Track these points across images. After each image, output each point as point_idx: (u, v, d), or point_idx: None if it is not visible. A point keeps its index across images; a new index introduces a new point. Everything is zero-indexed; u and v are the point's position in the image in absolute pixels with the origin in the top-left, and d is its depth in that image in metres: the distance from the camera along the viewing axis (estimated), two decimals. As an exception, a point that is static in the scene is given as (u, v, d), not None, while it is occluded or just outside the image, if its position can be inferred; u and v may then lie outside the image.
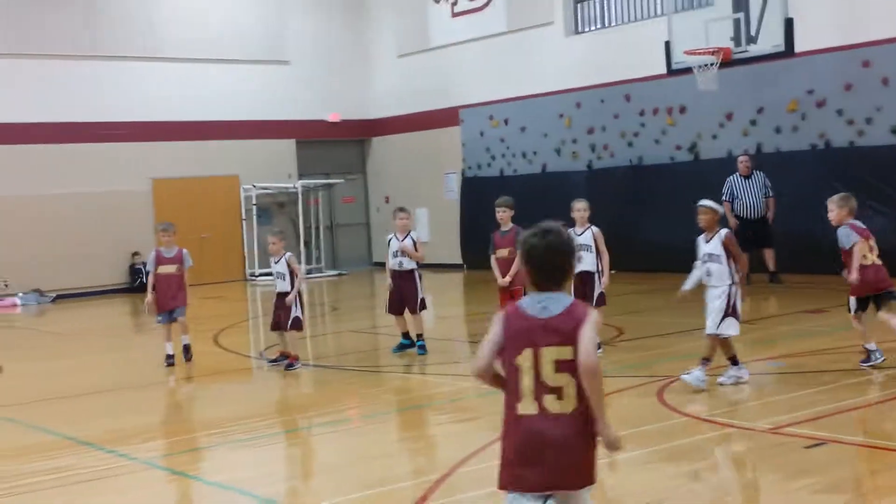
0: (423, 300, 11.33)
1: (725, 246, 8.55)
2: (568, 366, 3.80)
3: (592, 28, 21.25)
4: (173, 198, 22.72)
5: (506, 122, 22.22)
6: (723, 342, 8.61)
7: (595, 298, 10.21)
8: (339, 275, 23.88)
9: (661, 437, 7.19)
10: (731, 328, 8.52)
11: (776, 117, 17.45)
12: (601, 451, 3.90)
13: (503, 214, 11.02)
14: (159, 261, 11.54)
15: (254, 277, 23.40)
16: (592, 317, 3.85)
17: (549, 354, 3.82)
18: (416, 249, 11.25)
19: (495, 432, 7.41)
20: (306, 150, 25.03)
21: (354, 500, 6.18)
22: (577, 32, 21.35)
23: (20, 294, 20.61)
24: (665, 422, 7.59)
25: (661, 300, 14.59)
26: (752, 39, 15.07)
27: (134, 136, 22.36)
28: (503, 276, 10.61)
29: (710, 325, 8.55)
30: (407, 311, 11.36)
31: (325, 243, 25.11)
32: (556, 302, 3.89)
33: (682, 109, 18.88)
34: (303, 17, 24.97)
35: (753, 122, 17.82)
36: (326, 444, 7.91)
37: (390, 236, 11.52)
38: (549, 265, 3.92)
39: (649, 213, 18.90)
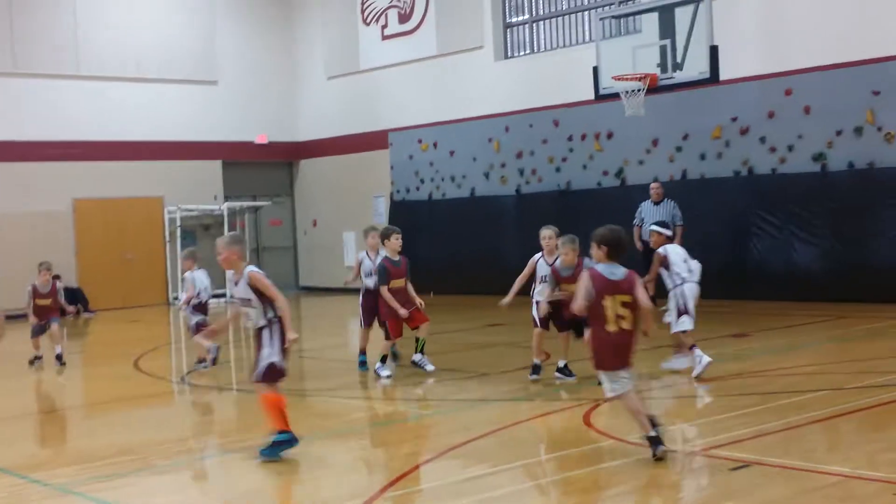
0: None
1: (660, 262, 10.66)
2: (630, 305, 6.90)
3: (522, 53, 21.38)
4: (95, 218, 22.26)
5: (435, 145, 22.21)
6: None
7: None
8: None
9: (587, 460, 7.13)
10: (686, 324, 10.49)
11: (701, 144, 17.69)
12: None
13: (396, 243, 11.12)
14: (36, 294, 13.66)
15: (177, 300, 22.94)
16: (639, 280, 7.03)
17: (620, 299, 6.90)
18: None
19: (411, 459, 7.31)
20: (233, 172, 24.74)
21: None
22: (506, 57, 21.47)
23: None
24: (591, 445, 7.54)
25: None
26: (677, 66, 15.27)
27: (55, 155, 21.88)
28: (401, 308, 10.83)
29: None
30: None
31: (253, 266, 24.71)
32: (618, 269, 6.99)
33: (610, 135, 19.04)
34: (231, 36, 24.74)
35: (679, 149, 18.04)
36: (246, 468, 7.71)
37: (362, 255, 11.83)
38: (623, 248, 7.07)
39: (580, 238, 18.94)
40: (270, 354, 7.47)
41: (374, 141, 23.58)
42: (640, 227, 16.45)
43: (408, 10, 22.92)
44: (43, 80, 22.05)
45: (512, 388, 10.38)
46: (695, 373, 9.91)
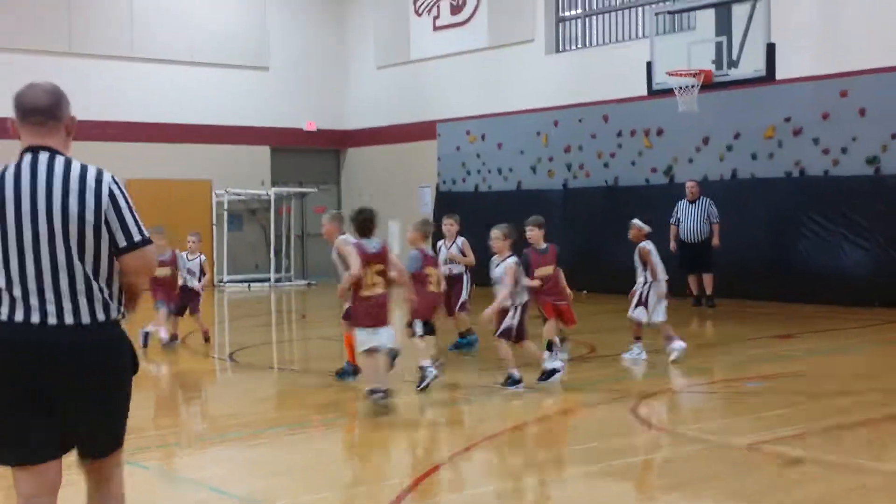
0: (463, 303, 11.55)
1: (641, 256, 10.78)
2: (383, 273, 8.41)
3: (573, 47, 21.31)
4: (145, 199, 22.18)
5: (483, 137, 22.20)
6: (631, 323, 10.85)
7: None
8: (309, 284, 23.69)
9: (634, 450, 7.13)
10: (640, 315, 10.75)
11: (753, 143, 17.54)
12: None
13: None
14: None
15: (222, 283, 23.16)
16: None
17: (376, 268, 8.36)
18: (463, 255, 11.55)
19: (466, 440, 7.35)
20: (281, 158, 24.89)
21: (326, 500, 6.07)
22: (557, 51, 21.41)
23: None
24: (641, 436, 7.54)
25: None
26: (733, 63, 15.12)
27: (108, 135, 22.09)
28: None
29: (630, 311, 10.91)
30: (453, 311, 11.47)
31: (295, 252, 24.93)
32: (377, 242, 8.49)
33: (660, 132, 18.94)
34: (284, 23, 24.87)
35: (730, 148, 17.90)
36: (294, 445, 7.78)
37: (440, 243, 11.79)
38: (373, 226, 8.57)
39: (623, 235, 18.79)
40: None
41: (421, 131, 23.62)
42: (677, 226, 16.42)
43: (460, 2, 22.91)
44: (97, 61, 22.28)
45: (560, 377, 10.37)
46: (627, 355, 10.81)
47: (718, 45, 15.29)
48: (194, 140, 23.39)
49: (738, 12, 15.13)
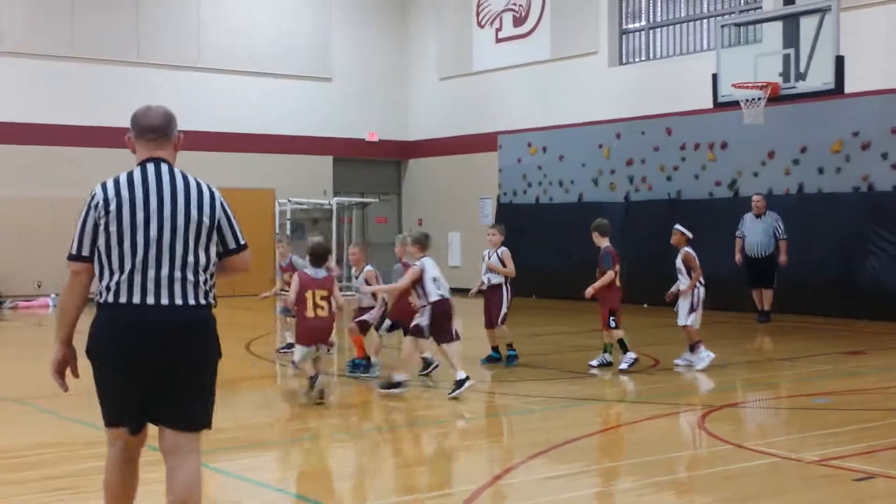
0: (504, 315, 11.47)
1: (684, 261, 11.04)
2: (326, 298, 9.38)
3: (637, 60, 21.21)
4: None
5: (544, 149, 22.16)
6: (688, 331, 11.04)
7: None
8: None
9: (706, 463, 7.05)
10: (696, 321, 11.04)
11: (819, 157, 17.29)
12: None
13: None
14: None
15: (285, 292, 23.27)
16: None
17: (320, 293, 9.38)
18: (503, 265, 11.48)
19: (529, 450, 7.32)
20: (343, 168, 25.06)
21: (392, 506, 6.09)
22: (621, 63, 21.32)
23: (52, 295, 20.65)
24: (709, 448, 7.45)
25: (702, 333, 14.40)
26: (800, 76, 14.92)
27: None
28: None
29: (682, 318, 11.10)
30: (493, 322, 11.59)
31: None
32: (321, 272, 9.54)
33: (724, 145, 18.75)
34: (347, 34, 25.08)
35: (796, 162, 17.66)
36: (361, 450, 7.81)
37: (484, 253, 11.87)
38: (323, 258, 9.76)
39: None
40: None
41: (483, 143, 23.64)
42: (743, 239, 16.27)
43: (523, 14, 22.93)
44: (164, 71, 22.65)
45: (622, 389, 10.30)
46: (678, 361, 11.26)
47: (786, 58, 15.11)
48: (258, 150, 23.65)
49: (806, 24, 14.95)
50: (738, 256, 16.24)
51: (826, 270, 16.78)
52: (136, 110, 4.63)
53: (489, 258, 11.65)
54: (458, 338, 9.96)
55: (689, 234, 11.23)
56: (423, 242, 10.02)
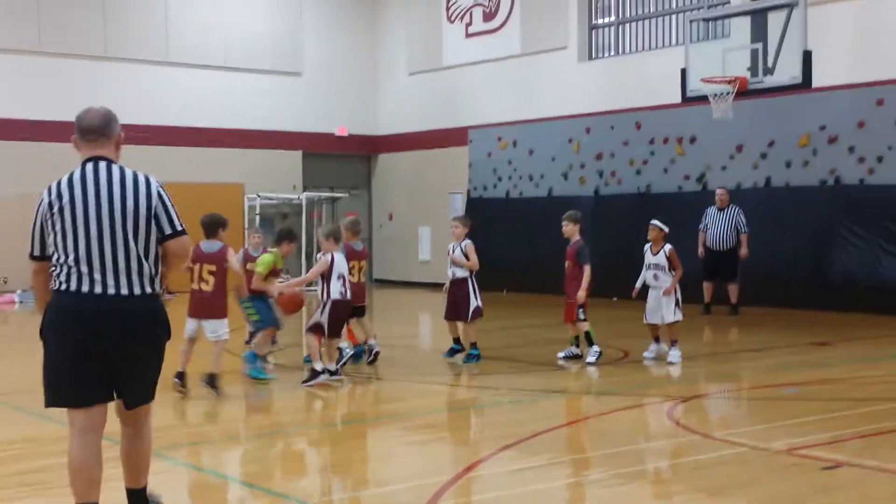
0: (477, 308, 11.24)
1: (669, 258, 10.96)
2: (213, 273, 9.35)
3: (606, 54, 21.28)
4: (177, 202, 22.21)
5: (514, 144, 22.19)
6: (671, 326, 10.98)
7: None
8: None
9: (675, 454, 7.09)
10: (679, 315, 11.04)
11: (787, 151, 17.43)
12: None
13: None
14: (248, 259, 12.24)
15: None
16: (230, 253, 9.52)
17: (207, 267, 9.34)
18: (466, 258, 11.27)
19: (500, 441, 7.33)
20: (312, 163, 24.97)
21: (365, 497, 6.08)
22: (590, 58, 21.37)
23: (19, 291, 20.46)
24: (678, 439, 7.49)
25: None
26: (769, 70, 15.01)
27: (139, 139, 22.21)
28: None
29: (669, 316, 10.95)
30: (462, 316, 11.34)
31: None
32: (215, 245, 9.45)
33: (693, 139, 18.86)
34: (316, 29, 24.98)
35: (764, 155, 17.79)
36: (331, 444, 7.80)
37: (449, 246, 11.64)
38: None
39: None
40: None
41: (453, 137, 23.64)
42: (705, 232, 16.40)
43: (493, 9, 22.93)
44: (132, 66, 22.49)
45: (591, 381, 10.34)
46: (647, 353, 11.26)
47: (754, 52, 15.19)
48: (227, 144, 23.53)
49: (774, 19, 15.03)
50: (700, 249, 16.38)
51: (795, 263, 16.92)
52: (78, 113, 4.98)
53: (453, 251, 11.47)
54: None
55: (666, 229, 11.17)
56: (335, 235, 10.10)
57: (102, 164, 4.85)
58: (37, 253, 4.89)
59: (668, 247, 11.03)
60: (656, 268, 11.05)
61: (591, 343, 11.03)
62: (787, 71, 14.76)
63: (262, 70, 24.08)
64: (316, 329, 9.82)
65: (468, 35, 23.52)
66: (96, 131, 4.91)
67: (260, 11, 24.24)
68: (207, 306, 9.46)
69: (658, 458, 7.04)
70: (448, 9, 24.00)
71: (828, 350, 12.28)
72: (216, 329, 9.46)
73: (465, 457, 7.19)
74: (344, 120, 25.32)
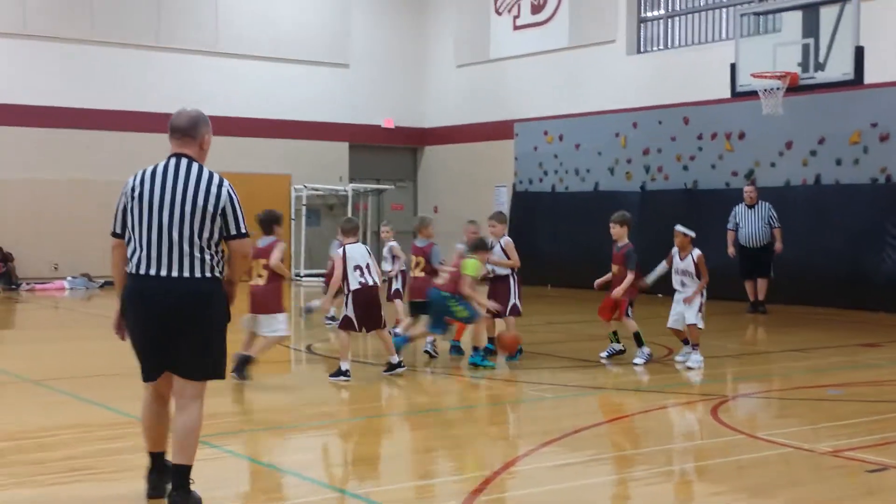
0: (514, 306, 11.06)
1: (696, 264, 10.61)
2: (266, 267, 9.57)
3: (655, 48, 21.14)
4: None
5: (560, 138, 22.13)
6: (695, 330, 10.59)
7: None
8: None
9: (718, 453, 7.06)
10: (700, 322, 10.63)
11: (837, 149, 17.22)
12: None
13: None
14: None
15: (299, 278, 23.42)
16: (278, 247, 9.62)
17: (261, 261, 9.58)
18: (507, 257, 11.08)
19: (543, 436, 7.35)
20: (359, 155, 25.10)
21: (407, 489, 6.13)
22: (639, 52, 21.25)
23: (69, 278, 20.79)
24: (721, 438, 7.46)
25: (710, 325, 14.38)
26: (820, 66, 14.84)
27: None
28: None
29: (691, 318, 10.56)
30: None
31: (371, 248, 25.03)
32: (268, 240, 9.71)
33: (741, 135, 18.70)
34: (365, 21, 25.09)
35: (813, 153, 17.59)
36: (372, 435, 7.86)
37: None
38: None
39: (701, 239, 18.53)
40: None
41: (499, 131, 23.63)
42: (735, 231, 16.26)
43: (541, 1, 22.87)
44: (182, 56, 22.74)
45: (634, 378, 10.32)
46: (680, 357, 10.84)
47: (805, 48, 15.03)
48: (275, 135, 23.72)
49: (826, 14, 14.86)
50: (730, 249, 16.26)
51: (842, 262, 16.72)
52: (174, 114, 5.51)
53: (492, 250, 11.13)
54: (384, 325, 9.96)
55: (692, 234, 10.87)
56: (344, 229, 10.36)
57: (184, 161, 5.35)
58: (117, 230, 5.41)
59: (696, 252, 10.68)
60: (684, 274, 10.70)
61: (640, 343, 10.90)
62: (839, 67, 14.59)
63: (310, 61, 24.23)
64: (346, 325, 9.75)
65: (516, 27, 23.48)
66: (181, 131, 5.41)
67: (309, 2, 24.37)
68: (261, 300, 9.61)
69: (700, 456, 7.02)
70: (496, 1, 23.97)
71: (875, 351, 12.14)
72: (271, 324, 9.57)
73: (506, 452, 7.21)
74: (390, 112, 25.40)
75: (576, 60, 22.01)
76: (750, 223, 16.24)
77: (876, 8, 15.97)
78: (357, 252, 9.90)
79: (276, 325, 9.59)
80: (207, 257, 5.25)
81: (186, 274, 5.21)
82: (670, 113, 19.89)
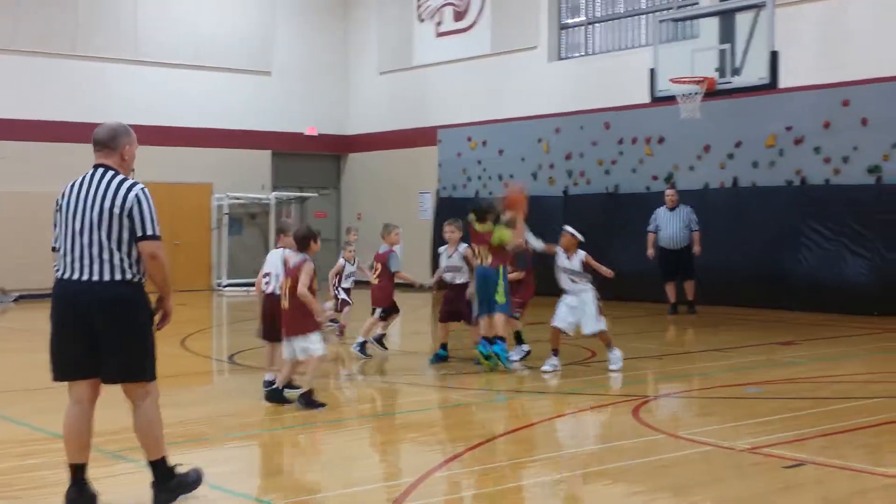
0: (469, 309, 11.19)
1: (586, 264, 10.64)
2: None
3: (576, 55, 21.35)
4: None
5: (484, 143, 22.23)
6: (603, 333, 10.57)
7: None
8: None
9: (640, 453, 7.12)
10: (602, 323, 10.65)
11: (754, 151, 17.58)
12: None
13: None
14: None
15: (220, 288, 23.15)
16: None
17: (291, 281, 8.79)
18: (467, 262, 11.07)
19: (463, 443, 7.35)
20: (282, 162, 24.91)
21: (332, 498, 6.07)
22: (560, 58, 21.44)
23: (-17, 291, 20.27)
24: (643, 438, 7.53)
25: (631, 327, 14.60)
26: (736, 71, 15.13)
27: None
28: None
29: (593, 326, 10.55)
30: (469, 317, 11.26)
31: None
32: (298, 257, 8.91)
33: (661, 140, 18.97)
34: (287, 28, 24.93)
35: (731, 156, 17.93)
36: (294, 446, 7.79)
37: (441, 250, 11.48)
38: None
39: (622, 242, 18.88)
40: None
41: (423, 137, 23.65)
42: (655, 233, 16.49)
43: (463, 8, 22.97)
44: (101, 64, 22.36)
45: (559, 381, 10.38)
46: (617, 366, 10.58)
47: (722, 53, 15.31)
48: (196, 144, 23.42)
49: (742, 20, 15.17)
50: (650, 251, 16.52)
51: (760, 263, 17.06)
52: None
53: (450, 256, 11.21)
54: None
55: (581, 238, 10.82)
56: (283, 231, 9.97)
57: (99, 171, 5.62)
58: (53, 244, 5.65)
59: (581, 253, 10.70)
60: (573, 273, 10.65)
61: (520, 342, 11.27)
62: (755, 71, 14.89)
63: (232, 69, 24.00)
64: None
65: (439, 34, 23.55)
66: (101, 143, 5.69)
67: (231, 9, 24.15)
68: (290, 322, 8.80)
69: (623, 456, 7.07)
70: (419, 8, 24.02)
71: (792, 350, 12.39)
72: (305, 346, 8.75)
73: (430, 458, 7.19)
74: (314, 119, 25.27)
75: (498, 67, 22.13)
76: (670, 226, 16.47)
77: (790, 14, 16.34)
78: (270, 259, 9.59)
79: (311, 344, 8.82)
80: (117, 261, 5.45)
81: (96, 277, 5.43)
82: (592, 118, 20.10)
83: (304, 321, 8.73)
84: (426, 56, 23.78)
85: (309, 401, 8.65)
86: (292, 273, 8.80)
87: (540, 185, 21.00)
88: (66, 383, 5.60)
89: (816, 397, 9.06)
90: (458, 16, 23.06)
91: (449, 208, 22.32)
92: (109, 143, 5.67)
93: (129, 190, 5.50)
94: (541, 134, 21.04)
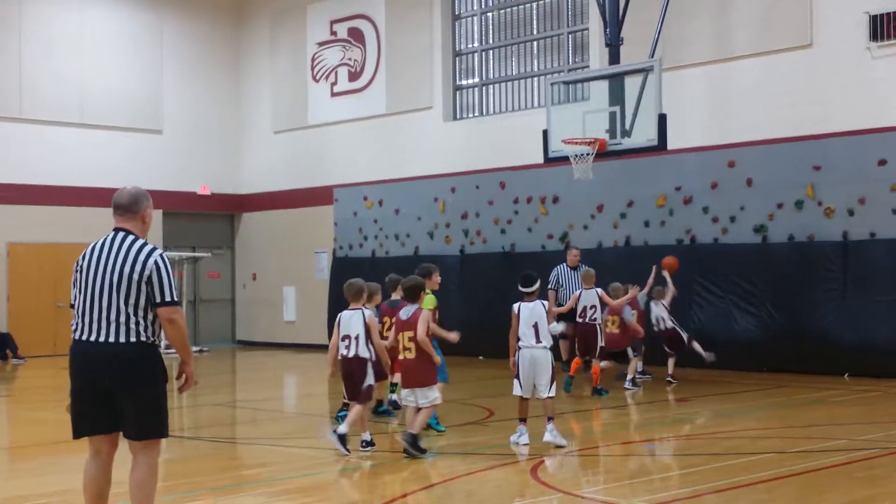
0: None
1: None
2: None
3: (470, 115, 21.58)
4: (29, 263, 21.85)
5: (380, 203, 22.20)
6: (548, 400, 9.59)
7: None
8: (201, 351, 23.08)
9: (538, 512, 7.07)
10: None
11: (645, 211, 17.91)
12: None
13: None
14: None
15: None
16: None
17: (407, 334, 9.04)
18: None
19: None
20: (174, 222, 24.43)
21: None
22: (455, 118, 21.64)
23: None
24: (541, 497, 7.47)
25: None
26: (626, 133, 15.47)
27: (-6, 196, 21.47)
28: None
29: (545, 391, 9.61)
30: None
31: (187, 318, 24.37)
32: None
33: (556, 199, 19.21)
34: (178, 86, 24.60)
35: (623, 215, 18.24)
36: (187, 513, 7.51)
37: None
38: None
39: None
40: None
41: (318, 196, 23.53)
42: (556, 291, 16.60)
43: (358, 69, 23.05)
44: (-12, 122, 21.74)
45: (460, 441, 10.27)
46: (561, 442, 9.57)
47: (612, 115, 15.63)
48: (84, 203, 22.80)
49: (631, 83, 15.53)
50: (554, 308, 16.55)
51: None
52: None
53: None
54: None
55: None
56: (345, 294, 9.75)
57: (120, 235, 5.76)
58: (72, 302, 5.83)
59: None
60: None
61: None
62: (644, 133, 15.23)
63: (120, 127, 23.54)
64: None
65: (334, 94, 23.56)
66: (122, 207, 5.82)
67: (118, 67, 23.70)
68: (415, 375, 9.06)
69: (522, 517, 7.00)
70: (313, 68, 24.01)
71: (685, 406, 12.53)
72: (427, 395, 9.08)
73: (326, 522, 7.00)
74: (207, 178, 24.93)
75: (394, 126, 22.22)
76: (572, 284, 16.59)
77: (677, 77, 16.82)
78: (344, 317, 9.46)
79: (432, 394, 9.11)
80: (133, 324, 5.61)
81: (112, 339, 5.59)
82: (487, 178, 20.27)
83: (428, 373, 9.06)
84: (321, 115, 23.75)
85: (415, 444, 8.95)
86: (409, 325, 9.00)
87: (436, 245, 21.05)
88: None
89: (710, 453, 9.14)
90: (353, 76, 23.13)
91: (345, 267, 22.20)
92: (132, 208, 5.82)
93: (148, 255, 5.66)
94: (437, 193, 21.12)
